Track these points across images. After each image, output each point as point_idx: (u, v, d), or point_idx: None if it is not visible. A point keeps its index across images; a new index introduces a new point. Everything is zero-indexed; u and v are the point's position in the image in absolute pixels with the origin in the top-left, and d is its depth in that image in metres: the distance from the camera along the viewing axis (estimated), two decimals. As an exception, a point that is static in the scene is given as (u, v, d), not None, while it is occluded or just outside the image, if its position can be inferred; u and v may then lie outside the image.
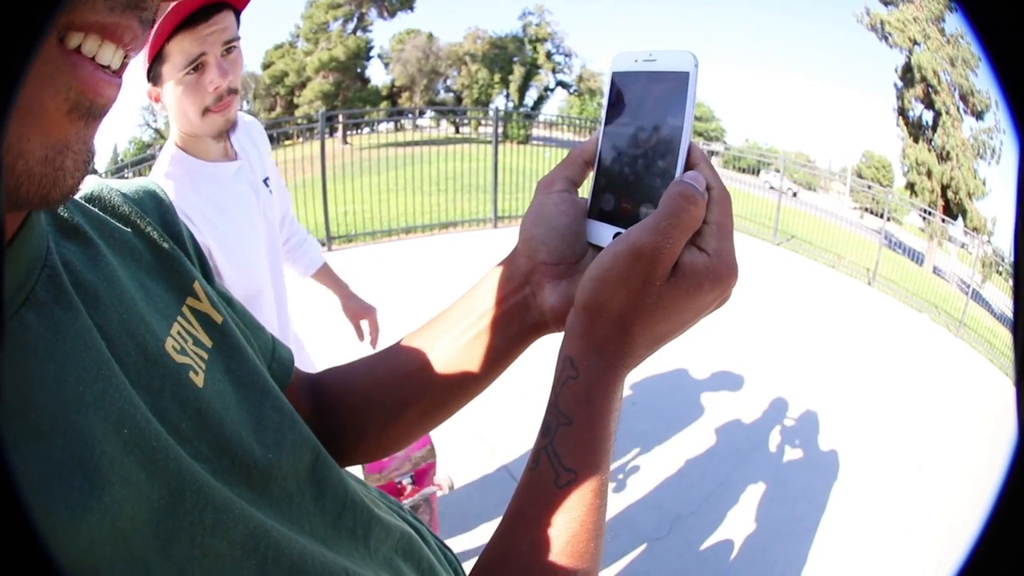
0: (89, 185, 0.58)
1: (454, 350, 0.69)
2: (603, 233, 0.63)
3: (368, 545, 0.64)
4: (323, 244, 9.53)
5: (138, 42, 0.37)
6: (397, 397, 0.72)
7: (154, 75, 1.54)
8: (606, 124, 0.65)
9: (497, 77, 45.40)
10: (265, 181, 1.93)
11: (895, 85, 25.39)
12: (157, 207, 0.64)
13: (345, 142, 19.81)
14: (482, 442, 4.17)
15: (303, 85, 42.04)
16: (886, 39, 24.64)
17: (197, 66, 1.51)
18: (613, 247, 0.55)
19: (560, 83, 49.37)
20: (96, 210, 0.55)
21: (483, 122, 14.15)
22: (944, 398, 6.13)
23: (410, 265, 8.41)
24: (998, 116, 22.12)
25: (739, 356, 5.98)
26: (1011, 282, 0.25)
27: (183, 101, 1.55)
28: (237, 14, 1.56)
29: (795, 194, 21.55)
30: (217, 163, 1.76)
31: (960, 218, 22.28)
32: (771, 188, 14.56)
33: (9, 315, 0.38)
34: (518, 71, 45.53)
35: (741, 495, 3.98)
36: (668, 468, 4.14)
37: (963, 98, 22.84)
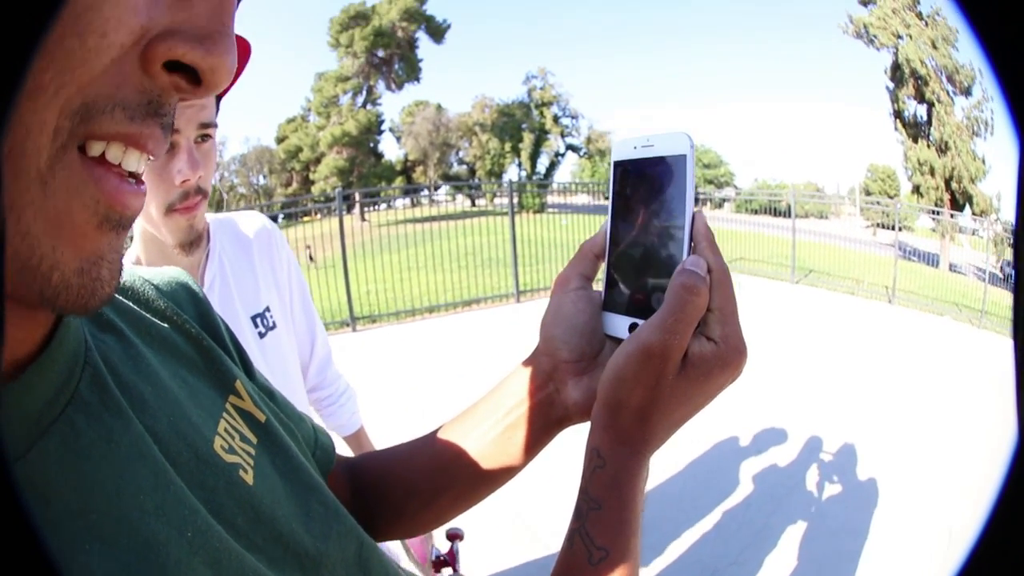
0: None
1: (484, 443, 0.74)
2: (619, 325, 0.66)
3: None
4: (347, 325, 9.68)
5: (160, 148, 0.38)
6: (432, 485, 0.77)
7: None
8: (612, 214, 0.68)
9: (508, 146, 45.71)
10: (264, 313, 1.65)
11: (887, 88, 25.75)
12: (191, 300, 0.66)
13: (363, 219, 20.00)
14: (518, 519, 4.22)
15: (318, 160, 42.48)
16: (872, 42, 25.08)
17: (168, 146, 1.31)
18: (626, 347, 0.59)
19: (570, 147, 49.79)
20: (130, 303, 0.56)
21: (498, 193, 14.26)
22: (976, 399, 6.07)
23: (436, 344, 8.50)
24: (984, 86, 22.27)
25: (768, 402, 5.98)
26: (1011, 282, 0.26)
27: (148, 189, 1.36)
28: (218, 98, 1.43)
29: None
30: None
31: (967, 206, 22.22)
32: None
33: (55, 414, 0.38)
34: (528, 138, 45.88)
35: (780, 538, 3.94)
36: (704, 523, 4.12)
37: (950, 79, 23.11)
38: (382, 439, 2.05)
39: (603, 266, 0.69)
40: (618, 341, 0.67)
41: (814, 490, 4.53)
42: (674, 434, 0.64)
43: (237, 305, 1.59)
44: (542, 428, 0.73)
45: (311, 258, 13.64)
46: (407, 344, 8.64)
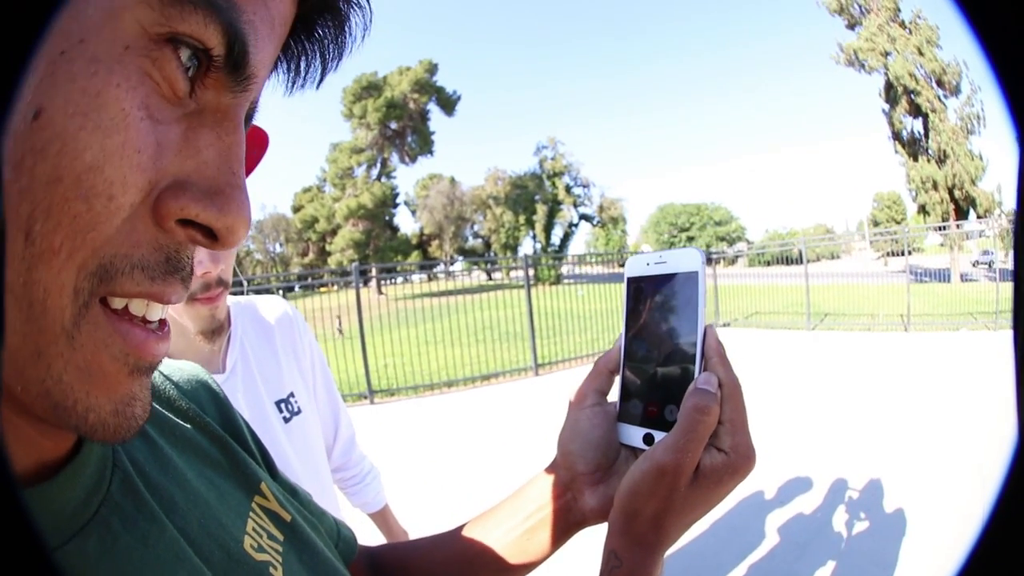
0: None
1: (504, 544, 0.77)
2: (634, 435, 0.69)
3: None
4: (365, 397, 9.73)
5: (181, 298, 0.38)
6: None
7: None
8: (626, 331, 0.70)
9: (522, 219, 46.19)
10: (288, 399, 1.66)
11: (883, 111, 26.12)
12: (212, 399, 0.68)
13: (380, 292, 20.19)
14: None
15: (334, 232, 42.92)
16: (863, 66, 25.44)
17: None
18: (641, 465, 0.62)
19: (583, 216, 50.26)
20: (153, 403, 0.56)
21: (514, 266, 14.38)
22: (999, 407, 6.05)
23: (454, 418, 8.49)
24: (972, 79, 22.53)
25: (788, 452, 5.90)
26: (1012, 283, 0.25)
27: None
28: None
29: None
30: None
31: (971, 210, 22.22)
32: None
33: (90, 514, 0.39)
34: (541, 210, 46.36)
35: (807, 582, 3.85)
36: (728, 572, 4.06)
37: (939, 82, 23.43)
38: (401, 511, 2.06)
39: (618, 379, 0.73)
40: (633, 450, 0.71)
41: (840, 530, 4.43)
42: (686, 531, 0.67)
43: (261, 390, 1.60)
44: (561, 530, 0.76)
45: (339, 330, 13.73)
46: (425, 417, 8.64)
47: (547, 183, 47.99)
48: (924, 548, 3.99)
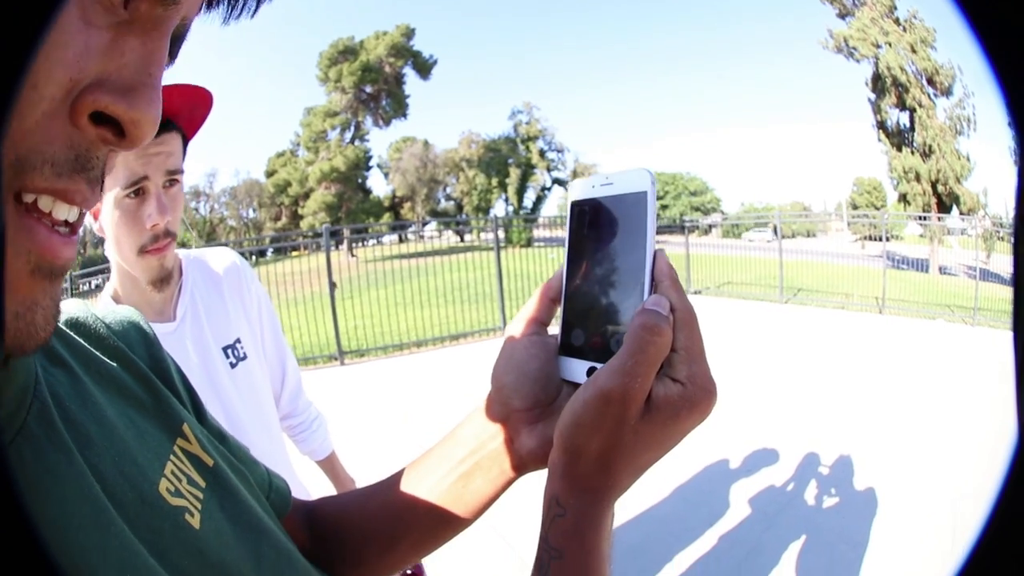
0: (73, 309, 0.60)
1: (437, 493, 0.71)
2: (576, 369, 0.63)
3: None
4: (335, 359, 9.72)
5: (90, 200, 0.38)
6: (389, 531, 0.75)
7: None
8: (569, 257, 0.65)
9: (495, 181, 46.08)
10: (235, 344, 1.72)
11: (869, 100, 26.13)
12: (142, 340, 0.66)
13: (351, 255, 20.08)
14: (493, 531, 4.13)
15: (306, 195, 42.75)
16: (852, 54, 25.42)
17: (138, 191, 1.42)
18: (583, 393, 0.55)
19: (556, 180, 50.15)
20: (81, 340, 0.56)
21: (485, 229, 14.35)
22: (972, 399, 6.08)
23: (424, 378, 8.50)
24: (964, 82, 22.63)
25: (758, 421, 5.97)
26: (1011, 282, 0.25)
27: (120, 229, 1.45)
28: (185, 143, 1.51)
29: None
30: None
31: (954, 206, 22.42)
32: (768, 241, 14.61)
33: (8, 440, 0.39)
34: (514, 173, 46.25)
35: (775, 554, 3.87)
36: (696, 545, 4.06)
37: (931, 81, 23.48)
38: (372, 471, 2.04)
39: (559, 310, 0.67)
40: (576, 386, 0.64)
41: (808, 504, 4.48)
42: (640, 477, 0.60)
43: (208, 337, 1.66)
44: (498, 476, 0.70)
45: (333, 286, 13.71)
46: (395, 378, 8.64)
47: (521, 147, 47.82)
48: (892, 528, 4.05)
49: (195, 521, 0.51)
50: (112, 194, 1.42)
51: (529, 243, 22.89)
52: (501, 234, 11.90)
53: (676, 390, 0.54)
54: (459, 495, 0.70)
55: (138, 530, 0.45)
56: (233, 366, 1.70)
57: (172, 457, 0.55)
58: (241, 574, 0.53)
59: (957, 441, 5.15)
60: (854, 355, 8.34)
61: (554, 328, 0.68)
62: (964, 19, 0.22)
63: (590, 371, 0.61)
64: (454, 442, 0.72)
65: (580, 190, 0.64)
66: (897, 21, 24.04)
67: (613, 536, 0.60)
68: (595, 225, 0.62)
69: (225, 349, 1.69)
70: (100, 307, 0.63)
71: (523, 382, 0.66)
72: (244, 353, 1.73)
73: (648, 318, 0.53)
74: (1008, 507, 0.23)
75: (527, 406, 0.66)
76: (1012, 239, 0.25)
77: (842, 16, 25.83)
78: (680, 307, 0.56)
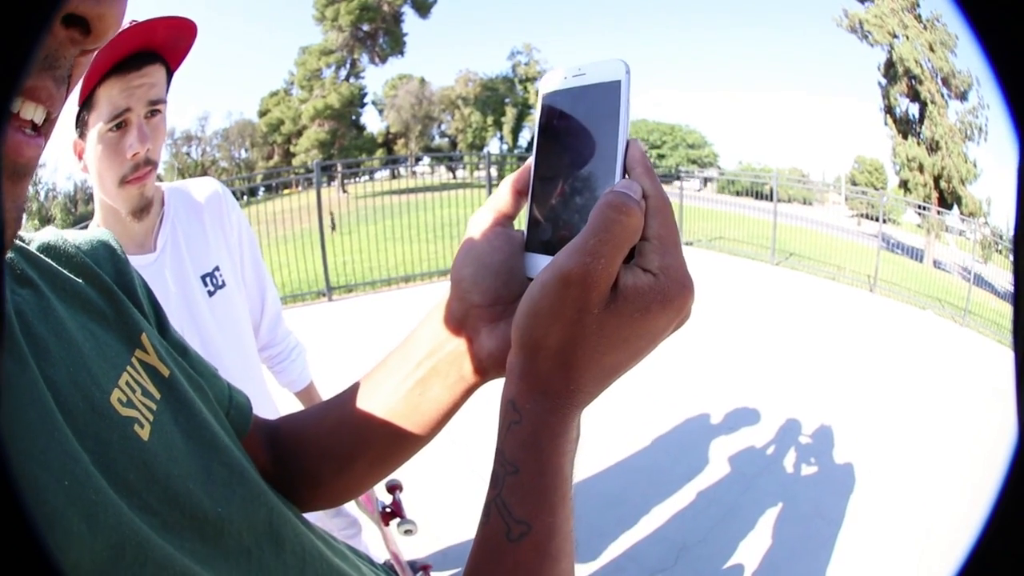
0: (45, 236, 0.59)
1: (393, 402, 0.67)
2: (541, 265, 0.58)
3: None
4: (323, 295, 9.66)
5: (56, 100, 0.38)
6: (345, 448, 0.70)
7: (81, 123, 1.47)
8: (538, 149, 0.61)
9: (490, 120, 45.77)
10: (213, 272, 1.73)
11: (879, 84, 25.58)
12: (110, 256, 0.64)
13: (343, 191, 19.95)
14: (467, 466, 4.14)
15: (299, 133, 42.41)
16: (866, 38, 24.91)
17: (120, 123, 1.44)
18: (540, 276, 0.50)
19: (552, 121, 49.74)
20: (50, 261, 0.56)
21: (479, 166, 14.24)
22: (956, 392, 6.11)
23: (411, 314, 8.32)
24: (981, 93, 22.32)
25: (742, 380, 5.99)
26: (1011, 281, 0.25)
27: (102, 163, 1.47)
28: (169, 76, 1.51)
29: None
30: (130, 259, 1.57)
31: (955, 206, 22.31)
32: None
33: None
34: (510, 112, 45.91)
35: (751, 519, 3.90)
36: (673, 499, 4.09)
37: (945, 82, 23.05)
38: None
39: (527, 204, 0.62)
40: None
41: (787, 472, 4.51)
42: (609, 384, 0.53)
43: (188, 266, 1.67)
44: (457, 382, 0.65)
45: (333, 225, 13.68)
46: (383, 313, 8.62)
47: (519, 87, 47.29)
48: (866, 509, 4.05)
49: (144, 433, 0.50)
50: (96, 129, 1.43)
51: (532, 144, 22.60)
52: (494, 171, 11.88)
53: (647, 280, 0.49)
54: (416, 404, 0.66)
55: (85, 440, 0.44)
56: (211, 294, 1.71)
57: (129, 368, 0.53)
58: (187, 490, 0.51)
59: (936, 434, 5.16)
60: (843, 328, 8.33)
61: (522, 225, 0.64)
62: (964, 19, 0.23)
63: None
64: (410, 345, 0.68)
65: (551, 82, 0.61)
66: (919, 18, 23.29)
67: (577, 450, 0.54)
68: (566, 116, 0.59)
69: (204, 277, 1.70)
70: (72, 232, 0.63)
71: (483, 275, 0.62)
72: (223, 281, 1.74)
73: (615, 196, 0.49)
74: (1008, 507, 0.23)
75: (487, 302, 0.62)
76: (1012, 239, 0.25)
77: (861, 0, 25.29)
78: (653, 194, 0.51)
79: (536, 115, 0.62)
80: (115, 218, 1.56)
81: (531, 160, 0.62)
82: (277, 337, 2.00)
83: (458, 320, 0.64)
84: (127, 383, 0.52)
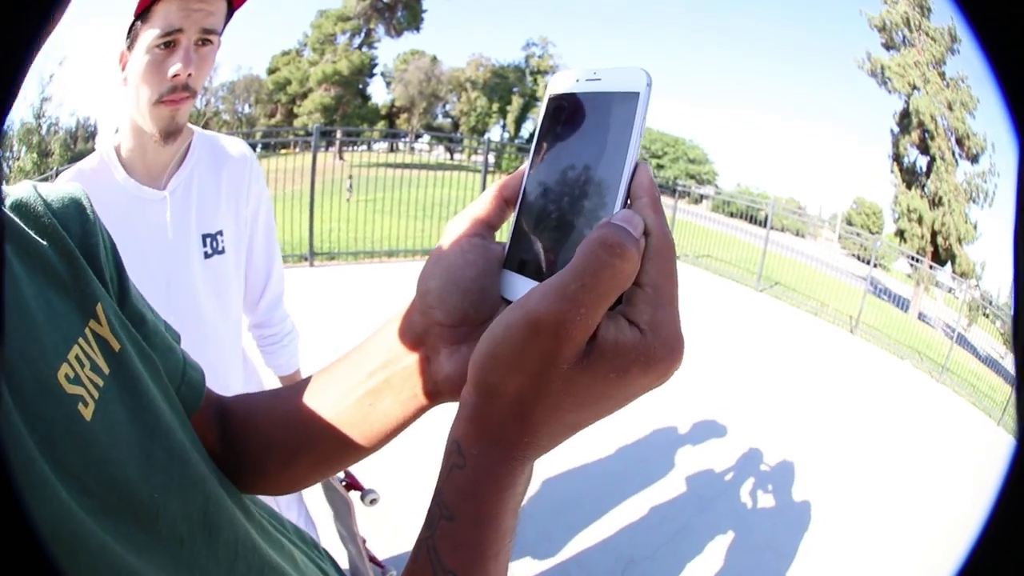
0: (19, 192, 0.55)
1: (341, 408, 0.62)
2: (519, 288, 0.52)
3: None
4: (305, 259, 9.58)
5: None
6: (291, 443, 0.66)
7: (132, 34, 1.44)
8: (534, 156, 0.55)
9: (496, 106, 45.81)
10: (216, 235, 1.69)
11: (891, 131, 25.69)
12: (79, 217, 0.60)
13: (340, 158, 19.89)
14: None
15: (305, 95, 42.30)
16: (885, 84, 24.95)
17: (170, 42, 1.42)
18: (508, 316, 0.44)
19: (557, 117, 49.95)
20: (18, 220, 0.53)
21: (478, 151, 14.22)
22: (924, 443, 6.17)
23: (389, 290, 8.37)
24: (994, 159, 22.48)
25: (712, 402, 5.95)
26: (1012, 281, 0.24)
27: (142, 77, 1.44)
28: (231, 12, 1.51)
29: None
30: (138, 185, 1.58)
31: (949, 263, 22.45)
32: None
33: None
34: (517, 102, 45.93)
35: (702, 541, 3.87)
36: (627, 511, 4.05)
37: (959, 142, 23.18)
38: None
39: (513, 215, 0.56)
40: None
41: (744, 500, 4.49)
42: (567, 439, 0.48)
43: (192, 219, 1.64)
44: (410, 399, 0.59)
45: (350, 187, 13.59)
46: (362, 285, 8.58)
47: (529, 79, 47.26)
48: (819, 549, 4.04)
49: (88, 412, 0.47)
50: (145, 40, 1.41)
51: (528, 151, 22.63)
52: (492, 158, 11.89)
53: (631, 336, 0.43)
54: (365, 415, 0.61)
55: (31, 420, 0.41)
56: (207, 256, 1.67)
57: (80, 340, 0.50)
58: (125, 475, 0.48)
59: (899, 485, 5.18)
60: (819, 365, 8.41)
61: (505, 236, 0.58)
62: (963, 20, 0.23)
63: None
64: (367, 350, 0.62)
65: (562, 83, 0.54)
66: (942, 75, 23.38)
67: (523, 501, 0.50)
68: (572, 124, 0.53)
69: (205, 237, 1.67)
70: (46, 187, 0.59)
71: (451, 291, 0.55)
72: (222, 247, 1.70)
73: (610, 233, 0.42)
74: (1008, 507, 0.23)
75: (452, 321, 0.55)
76: (1012, 239, 0.24)
77: (887, 47, 25.11)
78: (657, 232, 0.45)
79: (539, 116, 0.56)
80: (138, 142, 1.55)
81: (525, 166, 0.56)
82: (274, 319, 1.96)
83: (417, 335, 0.58)
84: (77, 357, 0.48)
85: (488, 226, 0.57)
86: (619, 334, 0.43)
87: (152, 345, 0.62)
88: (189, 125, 1.64)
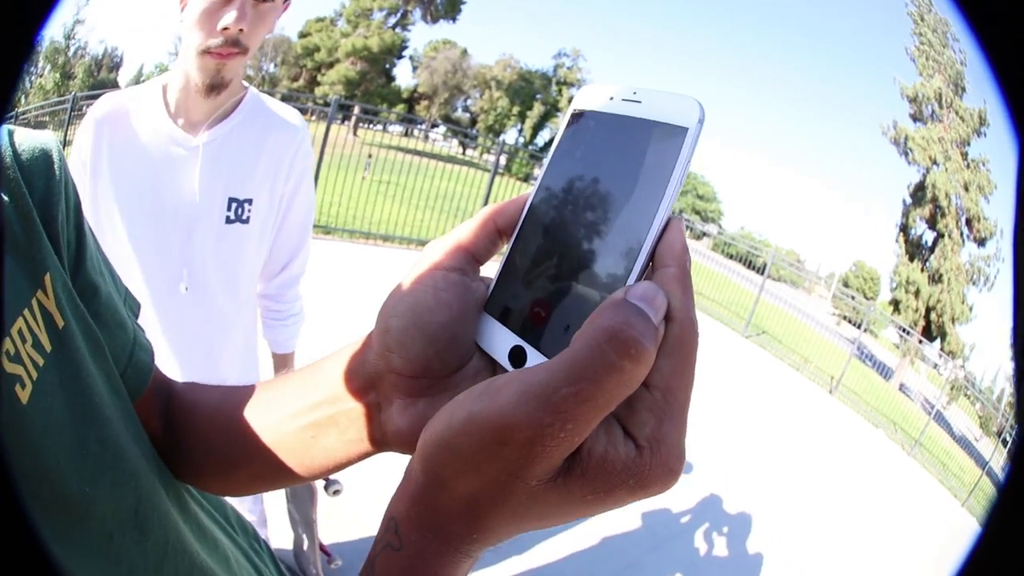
0: None
1: (282, 434, 0.55)
2: (497, 340, 0.44)
3: None
4: (301, 228, 9.49)
5: None
6: (227, 453, 0.60)
7: None
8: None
9: (516, 109, 45.98)
10: (243, 203, 1.61)
11: (904, 201, 25.94)
12: (45, 171, 0.54)
13: (354, 133, 19.88)
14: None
15: (331, 65, 42.47)
16: (906, 155, 25.11)
17: None
18: (473, 403, 0.36)
19: (575, 130, 50.34)
20: None
21: (490, 150, 14.22)
22: (886, 514, 6.15)
23: (379, 275, 8.29)
24: (1000, 245, 22.61)
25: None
26: (1012, 279, 0.23)
27: (195, 24, 1.41)
28: None
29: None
30: (173, 128, 1.54)
31: (939, 340, 22.57)
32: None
33: None
34: (537, 109, 46.14)
35: (652, 579, 3.81)
36: (577, 538, 3.97)
37: (969, 223, 23.35)
38: (304, 351, 1.94)
39: (505, 248, 0.46)
40: (491, 363, 0.46)
41: (698, 545, 4.44)
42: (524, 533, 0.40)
43: (222, 179, 1.58)
44: (355, 443, 0.51)
45: (368, 168, 13.55)
46: (353, 265, 8.52)
47: (554, 88, 47.48)
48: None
49: (24, 394, 0.43)
50: None
51: (527, 179, 22.75)
52: (503, 160, 11.88)
53: (625, 454, 0.35)
54: (306, 447, 0.53)
55: None
56: (228, 221, 1.61)
57: (26, 312, 0.45)
58: (57, 465, 0.44)
59: (856, 552, 5.17)
60: (794, 421, 8.41)
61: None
62: (963, 19, 0.23)
63: (515, 352, 0.42)
64: (317, 376, 0.53)
65: (591, 98, 0.45)
66: (964, 155, 23.53)
67: None
68: (597, 151, 0.43)
69: (231, 201, 1.60)
70: (21, 134, 0.54)
71: (414, 335, 0.45)
72: (247, 216, 1.63)
73: (624, 323, 0.33)
74: (1008, 508, 0.23)
75: (410, 371, 0.46)
76: (1012, 239, 0.24)
77: (914, 119, 25.26)
78: (681, 318, 0.37)
79: (557, 133, 0.46)
80: (184, 85, 1.51)
81: (529, 193, 0.46)
82: (285, 296, 1.88)
83: (370, 378, 0.49)
84: (19, 331, 0.44)
85: (472, 258, 0.47)
86: (611, 451, 0.35)
87: (101, 321, 0.57)
88: (244, 83, 1.61)
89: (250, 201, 1.62)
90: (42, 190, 0.53)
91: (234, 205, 1.61)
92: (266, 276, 1.83)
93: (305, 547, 2.30)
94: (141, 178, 1.54)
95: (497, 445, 0.34)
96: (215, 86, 1.48)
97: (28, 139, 0.54)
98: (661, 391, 0.36)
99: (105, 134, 1.52)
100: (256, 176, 1.63)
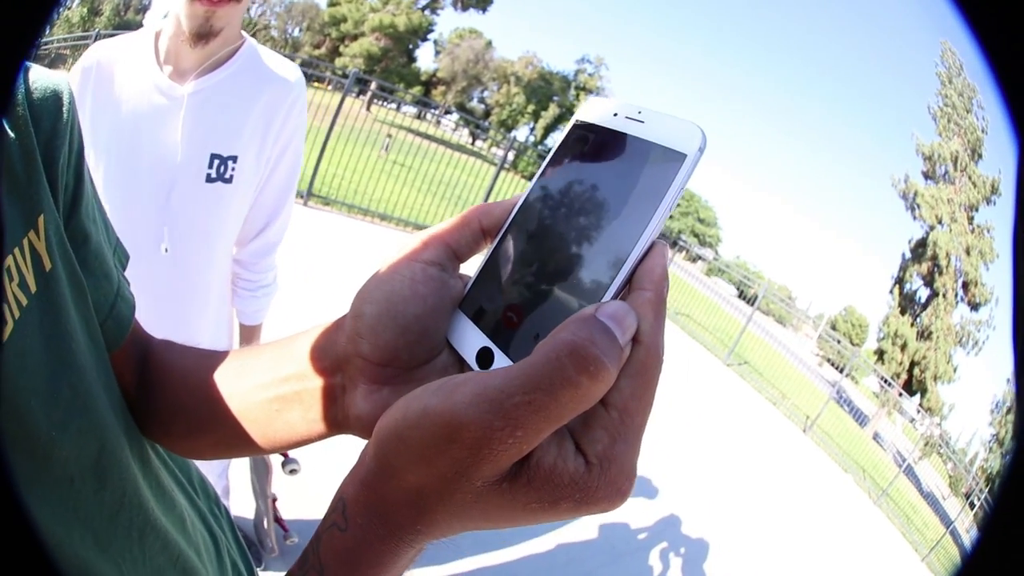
0: None
1: (250, 402, 0.55)
2: (467, 339, 0.45)
3: (143, 549, 0.56)
4: (301, 198, 9.47)
5: None
6: (195, 417, 0.60)
7: None
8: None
9: (531, 108, 46.03)
10: (226, 160, 1.53)
11: (903, 255, 26.07)
12: (54, 114, 0.54)
13: (367, 109, 19.87)
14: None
15: (355, 37, 42.52)
16: (913, 210, 25.22)
17: None
18: (429, 397, 0.36)
19: (586, 137, 50.81)
20: None
21: (500, 144, 14.26)
22: (846, 563, 6.20)
23: (371, 252, 8.27)
24: (994, 313, 22.76)
25: (650, 462, 5.86)
26: (1011, 278, 0.23)
27: None
28: None
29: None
30: (159, 75, 1.47)
31: (919, 396, 22.70)
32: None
33: None
34: (552, 110, 46.26)
35: (602, 593, 3.79)
36: (533, 542, 3.96)
37: (965, 286, 23.48)
38: (278, 324, 1.91)
39: (487, 250, 0.47)
40: (458, 360, 0.46)
41: (652, 562, 4.44)
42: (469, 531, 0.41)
43: (204, 132, 1.50)
44: (317, 421, 0.51)
45: (386, 147, 13.52)
46: (347, 240, 8.51)
47: (572, 92, 47.60)
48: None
49: (4, 332, 0.43)
50: None
51: (532, 178, 22.81)
52: (511, 156, 11.90)
53: (573, 468, 0.35)
54: (270, 419, 0.54)
55: None
56: (209, 179, 1.52)
57: (17, 250, 0.46)
58: (28, 405, 0.44)
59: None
60: (765, 455, 8.42)
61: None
62: (963, 19, 0.23)
63: (483, 353, 0.43)
64: (290, 350, 0.54)
65: (594, 111, 0.46)
66: (971, 219, 23.69)
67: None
68: (593, 163, 0.44)
69: (213, 157, 1.52)
70: (36, 72, 0.54)
71: (386, 324, 0.45)
72: (230, 176, 1.54)
73: (587, 339, 0.33)
74: (1008, 508, 0.23)
75: (378, 359, 0.46)
76: (1011, 238, 0.24)
77: (926, 176, 25.42)
78: (647, 342, 0.37)
79: (557, 142, 0.47)
80: (176, 32, 1.44)
81: (520, 197, 0.47)
82: (258, 266, 1.79)
83: (338, 359, 0.49)
84: (8, 269, 0.44)
85: (454, 255, 0.47)
86: (559, 462, 0.36)
87: (88, 269, 0.57)
88: (242, 33, 1.54)
89: (234, 158, 1.54)
90: (48, 131, 0.53)
91: (216, 162, 1.52)
92: (241, 240, 1.74)
93: (261, 519, 2.30)
94: (120, 130, 1.48)
95: (446, 442, 0.35)
96: (203, 35, 1.41)
97: (42, 78, 0.53)
98: (618, 411, 0.36)
99: (90, 83, 1.46)
100: (244, 132, 1.54)
